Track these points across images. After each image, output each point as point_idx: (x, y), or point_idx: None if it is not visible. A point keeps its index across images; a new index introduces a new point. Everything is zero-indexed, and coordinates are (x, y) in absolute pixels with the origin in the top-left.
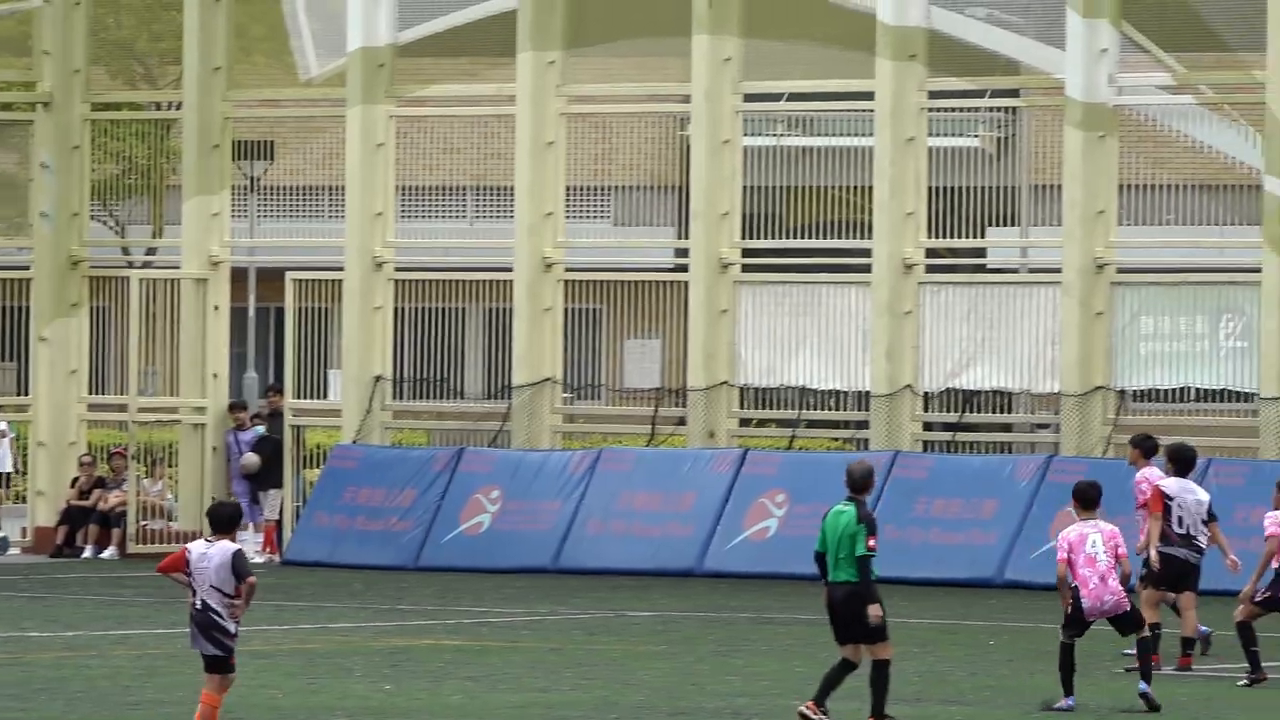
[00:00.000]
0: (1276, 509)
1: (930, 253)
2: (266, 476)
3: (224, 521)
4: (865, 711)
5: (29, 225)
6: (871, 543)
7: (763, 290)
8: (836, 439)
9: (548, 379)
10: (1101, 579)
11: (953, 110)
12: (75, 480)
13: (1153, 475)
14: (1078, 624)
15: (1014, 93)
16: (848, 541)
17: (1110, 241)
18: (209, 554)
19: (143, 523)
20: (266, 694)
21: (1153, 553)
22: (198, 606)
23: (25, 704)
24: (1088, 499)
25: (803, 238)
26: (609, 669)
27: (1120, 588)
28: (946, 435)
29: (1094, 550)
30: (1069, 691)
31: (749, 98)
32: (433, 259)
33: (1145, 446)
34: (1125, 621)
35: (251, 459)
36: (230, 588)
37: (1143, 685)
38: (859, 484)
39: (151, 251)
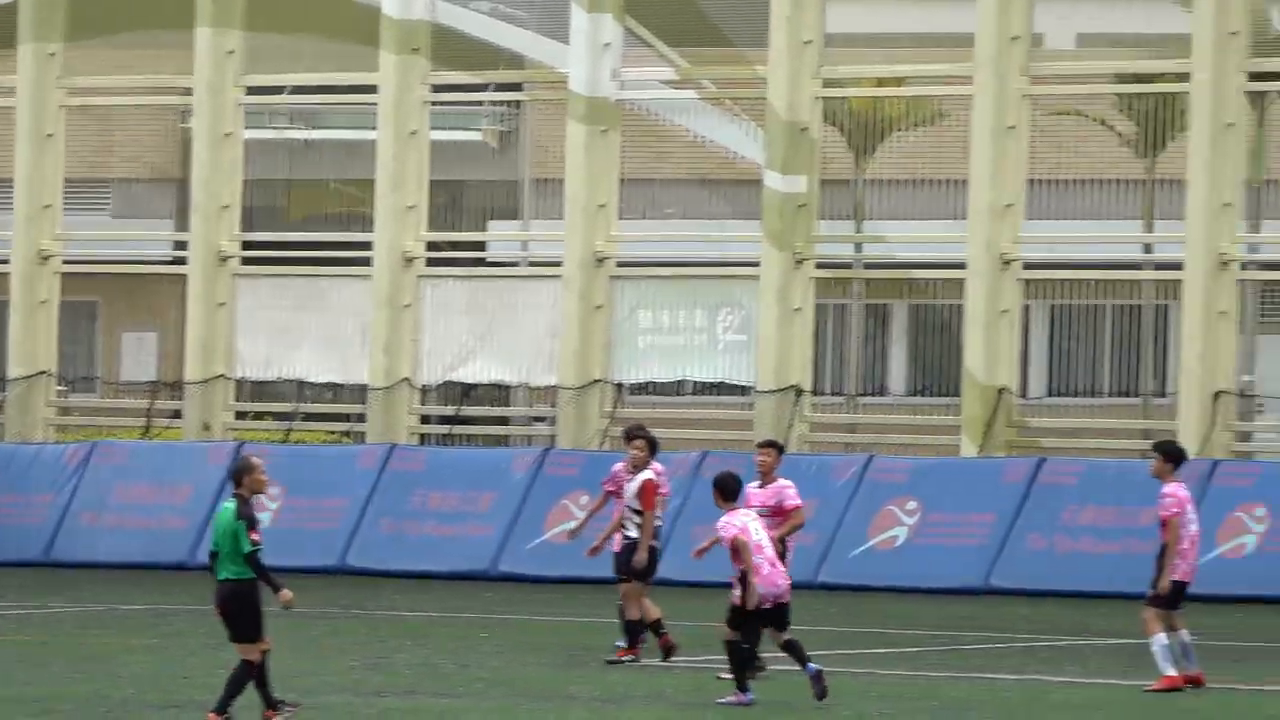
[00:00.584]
0: (1165, 479)
1: (431, 246)
2: None
3: None
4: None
5: None
6: (255, 536)
7: (262, 283)
8: (333, 432)
9: (43, 372)
10: (772, 564)
11: (456, 104)
12: None
13: (1181, 491)
14: (750, 615)
15: (518, 87)
16: (230, 539)
17: (611, 235)
18: None
19: None
20: None
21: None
22: None
23: None
24: (729, 490)
25: (305, 230)
26: (100, 662)
27: (787, 576)
28: (444, 428)
29: (759, 537)
30: (744, 688)
31: (251, 90)
32: None
33: (1175, 456)
34: (782, 615)
35: None
36: None
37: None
38: (236, 477)
39: None
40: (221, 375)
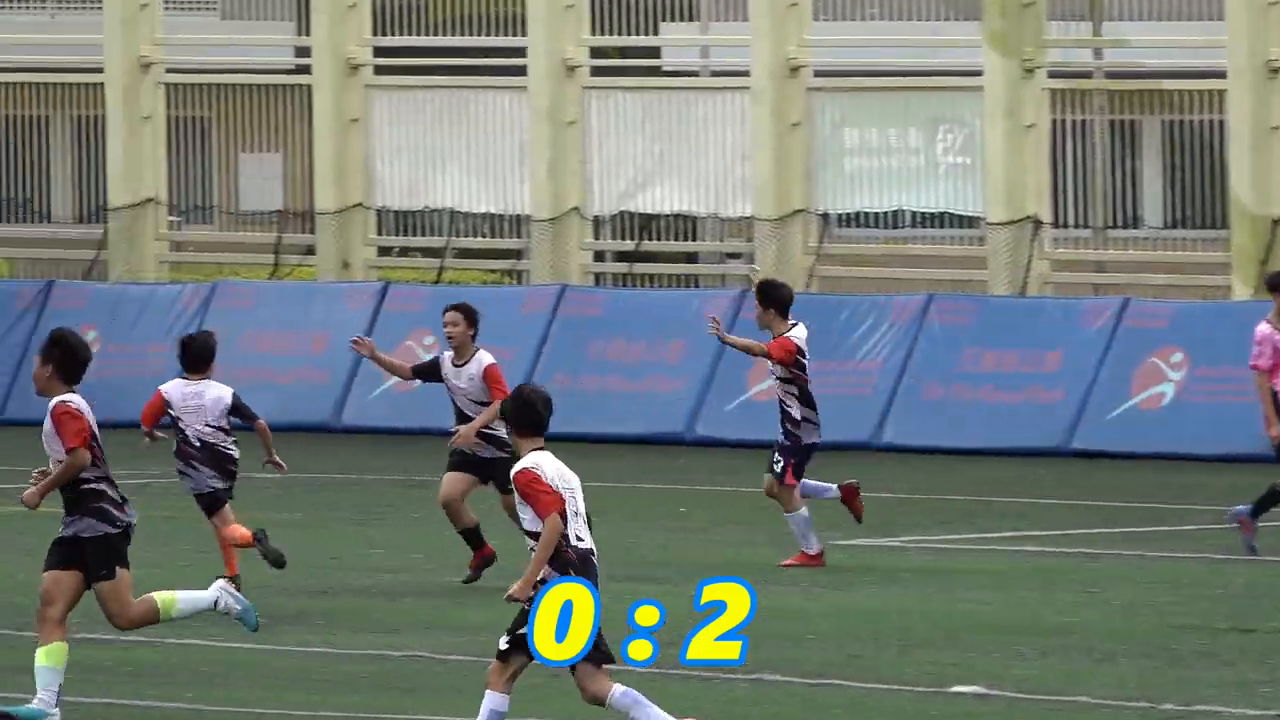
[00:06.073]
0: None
1: (596, 52)
2: None
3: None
4: None
5: None
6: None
7: (400, 96)
8: (493, 271)
9: (150, 199)
10: None
11: None
12: None
13: None
14: None
15: None
16: None
17: (805, 39)
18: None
19: None
20: None
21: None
22: (195, 445)
23: None
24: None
25: (445, 34)
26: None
27: None
28: (622, 266)
29: None
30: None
31: None
32: (6, 58)
33: None
34: None
35: None
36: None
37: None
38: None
39: None
40: (359, 204)
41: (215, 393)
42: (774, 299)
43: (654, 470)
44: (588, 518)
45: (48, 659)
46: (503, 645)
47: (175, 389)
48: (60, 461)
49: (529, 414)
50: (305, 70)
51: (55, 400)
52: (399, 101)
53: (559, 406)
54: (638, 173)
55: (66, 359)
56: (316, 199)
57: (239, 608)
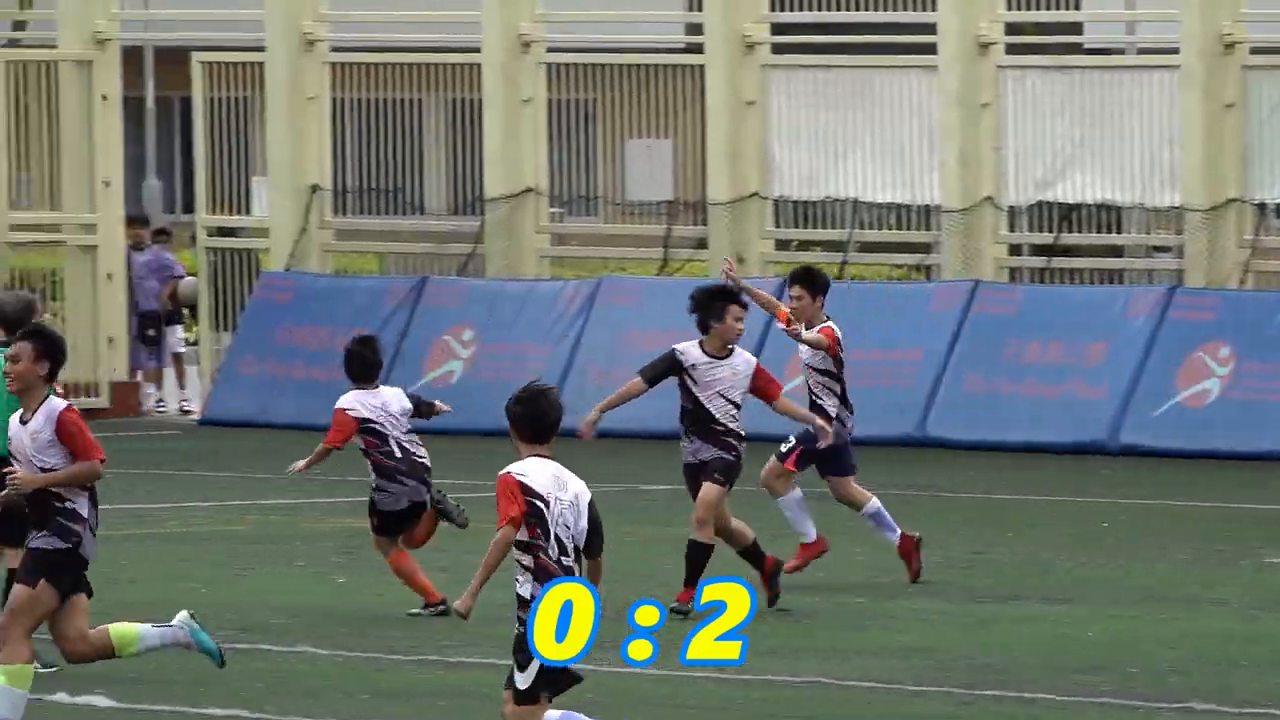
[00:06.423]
0: None
1: (1011, 29)
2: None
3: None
4: None
5: None
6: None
7: (799, 76)
8: (899, 266)
9: (529, 189)
10: None
11: None
12: None
13: None
14: None
15: None
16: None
17: (1241, 14)
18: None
19: None
20: (185, 588)
21: None
22: (397, 455)
23: None
24: None
25: (849, 9)
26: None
27: None
28: (1039, 261)
29: None
30: None
31: None
32: (379, 37)
33: None
34: None
35: (190, 284)
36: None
37: None
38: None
39: (20, 26)
40: (755, 194)
41: (395, 398)
42: (823, 287)
43: (1073, 482)
44: (594, 530)
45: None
46: (521, 685)
47: (359, 401)
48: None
49: (532, 422)
50: (697, 49)
51: (65, 404)
52: (798, 82)
53: (971, 411)
54: (1056, 159)
55: (55, 354)
56: (709, 188)
57: (201, 642)
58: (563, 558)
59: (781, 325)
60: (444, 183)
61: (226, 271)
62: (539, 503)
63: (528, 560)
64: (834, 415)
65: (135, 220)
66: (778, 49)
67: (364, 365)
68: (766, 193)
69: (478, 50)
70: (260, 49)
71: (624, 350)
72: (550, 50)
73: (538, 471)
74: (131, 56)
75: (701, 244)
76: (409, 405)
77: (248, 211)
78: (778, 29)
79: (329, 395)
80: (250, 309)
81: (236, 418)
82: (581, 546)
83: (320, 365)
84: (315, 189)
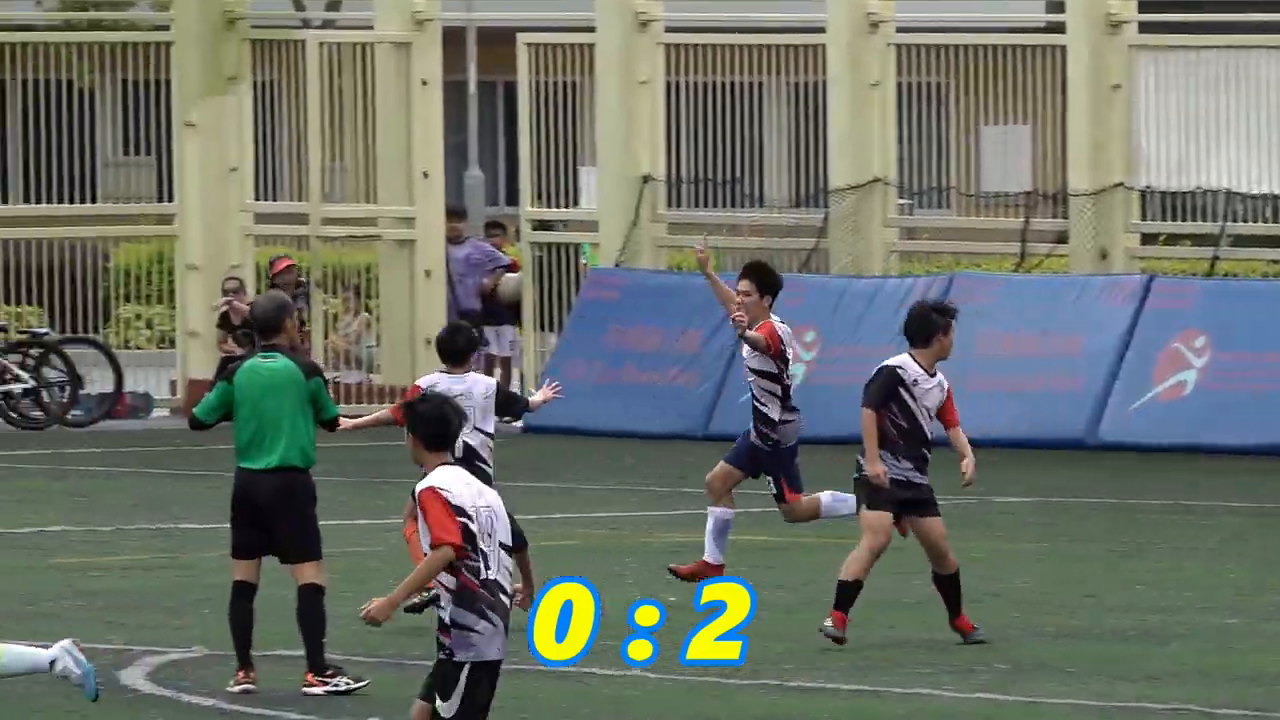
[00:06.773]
0: None
1: None
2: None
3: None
4: None
5: None
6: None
7: (1169, 58)
8: (1275, 261)
9: (877, 180)
10: None
11: None
12: (224, 317)
13: None
14: None
15: None
16: (292, 406)
17: None
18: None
19: (331, 375)
20: None
21: None
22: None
23: (180, 618)
24: None
25: None
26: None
27: None
28: None
29: None
30: None
31: None
32: (718, 16)
33: None
34: None
35: (513, 281)
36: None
37: None
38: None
39: (334, 6)
40: (1120, 184)
41: (481, 387)
42: (771, 286)
43: None
44: (515, 537)
45: None
46: (445, 715)
47: (438, 383)
48: None
49: (438, 426)
50: (1058, 28)
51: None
52: (1168, 64)
53: None
54: None
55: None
56: (1070, 178)
57: (79, 672)
58: (487, 572)
59: (732, 321)
60: (785, 173)
61: (552, 268)
62: (466, 520)
63: (449, 581)
64: (777, 420)
65: (453, 213)
66: (1145, 27)
67: (452, 351)
68: (1132, 183)
69: (822, 30)
70: (590, 29)
71: (977, 353)
72: (900, 30)
73: (456, 483)
74: (453, 38)
75: (1062, 238)
76: (493, 392)
77: (575, 204)
78: (1146, 6)
79: (662, 401)
80: (578, 308)
81: (562, 424)
82: (510, 548)
83: (653, 369)
84: (647, 179)
